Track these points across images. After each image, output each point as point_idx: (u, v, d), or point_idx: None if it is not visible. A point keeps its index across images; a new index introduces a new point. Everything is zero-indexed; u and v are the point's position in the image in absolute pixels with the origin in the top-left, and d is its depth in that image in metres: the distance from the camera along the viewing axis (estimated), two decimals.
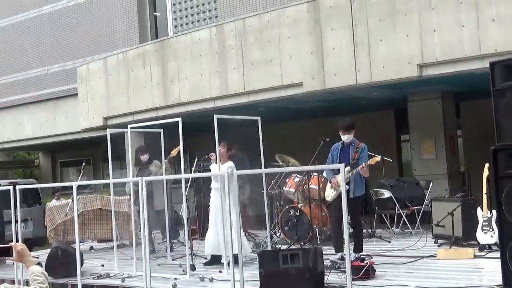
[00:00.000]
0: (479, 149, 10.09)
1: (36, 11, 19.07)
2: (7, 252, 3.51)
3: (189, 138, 9.11)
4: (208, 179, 8.85)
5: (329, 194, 7.85)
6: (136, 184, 8.56)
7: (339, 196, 7.49)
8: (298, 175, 9.72)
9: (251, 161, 10.10)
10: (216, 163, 8.25)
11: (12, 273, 7.99)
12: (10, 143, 20.02)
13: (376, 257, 7.86)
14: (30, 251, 3.64)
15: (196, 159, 9.91)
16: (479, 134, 12.16)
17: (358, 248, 7.69)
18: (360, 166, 7.41)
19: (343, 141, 7.68)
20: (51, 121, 18.28)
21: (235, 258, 6.40)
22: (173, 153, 9.25)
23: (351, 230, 7.67)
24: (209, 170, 8.84)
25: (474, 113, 13.32)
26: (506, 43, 8.59)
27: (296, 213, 9.48)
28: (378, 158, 7.56)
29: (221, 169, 8.12)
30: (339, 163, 7.52)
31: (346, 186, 7.42)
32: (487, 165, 7.67)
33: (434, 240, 8.67)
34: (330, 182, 7.87)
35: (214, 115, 7.86)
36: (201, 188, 10.44)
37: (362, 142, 7.73)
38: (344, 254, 7.47)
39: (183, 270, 7.92)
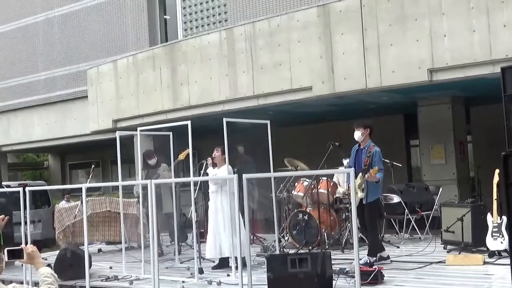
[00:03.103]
0: (489, 155, 10.05)
1: (46, 14, 19.16)
2: (18, 254, 3.53)
3: (198, 141, 9.11)
4: None
5: None
6: (144, 187, 8.59)
7: (360, 201, 7.69)
8: (307, 179, 9.71)
9: (259, 165, 10.10)
10: (213, 167, 8.38)
11: (21, 275, 8.02)
12: (19, 145, 20.10)
13: (385, 260, 7.84)
14: (40, 252, 3.66)
15: (205, 162, 9.92)
16: (489, 139, 12.11)
17: (371, 252, 7.73)
18: (367, 175, 7.49)
19: (358, 143, 7.79)
20: (61, 123, 18.34)
21: (243, 262, 6.40)
22: (181, 156, 9.26)
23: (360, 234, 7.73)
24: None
25: (484, 118, 13.25)
26: None
27: (305, 217, 9.46)
28: (375, 170, 7.52)
29: (220, 173, 8.18)
30: (354, 167, 7.66)
31: (362, 193, 7.58)
32: (497, 170, 7.63)
33: (443, 245, 8.62)
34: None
35: (224, 119, 7.86)
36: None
37: (375, 146, 7.75)
38: (369, 259, 7.55)
39: (191, 273, 7.92)
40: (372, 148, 7.72)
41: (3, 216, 4.11)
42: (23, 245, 3.61)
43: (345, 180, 9.68)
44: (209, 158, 8.47)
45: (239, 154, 11.69)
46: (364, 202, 7.68)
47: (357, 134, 7.81)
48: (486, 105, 12.23)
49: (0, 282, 5.22)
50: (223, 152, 8.29)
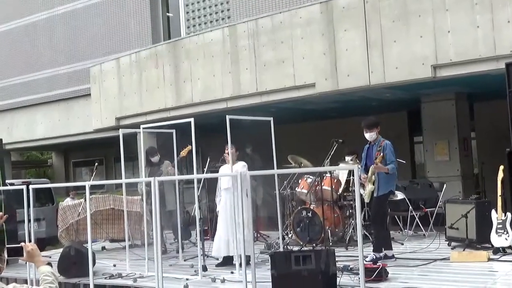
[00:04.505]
0: (493, 151, 10.02)
1: (49, 12, 19.17)
2: (18, 252, 3.54)
3: (201, 138, 9.10)
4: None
5: (363, 194, 7.93)
6: (147, 184, 8.58)
7: (372, 195, 7.70)
8: (310, 176, 9.69)
9: (263, 162, 10.08)
10: (230, 163, 8.30)
11: (24, 273, 8.02)
12: (23, 143, 20.12)
13: (389, 259, 7.82)
14: (43, 250, 3.67)
15: (208, 159, 9.91)
16: (493, 135, 12.07)
17: (377, 248, 7.69)
18: (374, 164, 7.46)
19: (369, 141, 7.76)
20: (64, 121, 18.37)
21: (247, 259, 6.39)
22: (183, 153, 9.25)
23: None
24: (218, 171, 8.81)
25: (488, 114, 13.22)
26: None
27: (308, 214, 9.44)
28: (382, 155, 7.55)
29: (236, 169, 8.11)
30: (365, 164, 7.66)
31: (372, 186, 7.55)
32: (501, 167, 7.60)
33: (447, 242, 8.60)
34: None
35: (227, 116, 7.84)
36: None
37: (386, 140, 7.74)
38: (375, 255, 7.53)
39: (194, 271, 7.91)
40: (382, 142, 7.71)
41: (1, 213, 4.12)
42: (22, 243, 3.61)
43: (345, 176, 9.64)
44: (225, 155, 8.39)
45: (247, 153, 11.67)
46: (375, 195, 7.65)
47: (371, 135, 7.76)
48: (490, 101, 12.20)
49: (4, 281, 5.23)
50: (236, 149, 8.30)
